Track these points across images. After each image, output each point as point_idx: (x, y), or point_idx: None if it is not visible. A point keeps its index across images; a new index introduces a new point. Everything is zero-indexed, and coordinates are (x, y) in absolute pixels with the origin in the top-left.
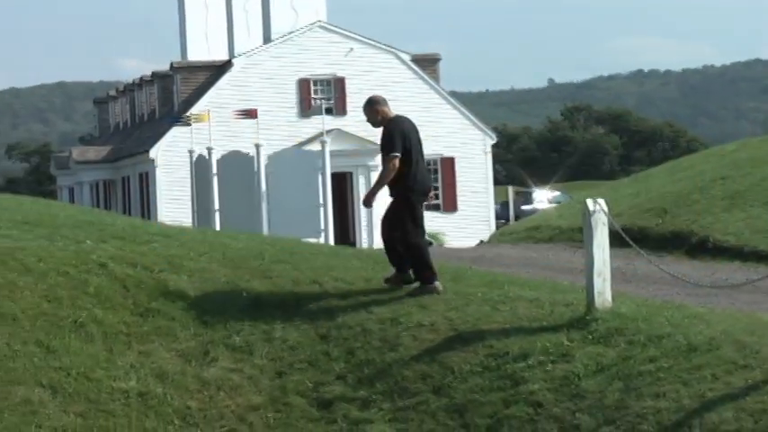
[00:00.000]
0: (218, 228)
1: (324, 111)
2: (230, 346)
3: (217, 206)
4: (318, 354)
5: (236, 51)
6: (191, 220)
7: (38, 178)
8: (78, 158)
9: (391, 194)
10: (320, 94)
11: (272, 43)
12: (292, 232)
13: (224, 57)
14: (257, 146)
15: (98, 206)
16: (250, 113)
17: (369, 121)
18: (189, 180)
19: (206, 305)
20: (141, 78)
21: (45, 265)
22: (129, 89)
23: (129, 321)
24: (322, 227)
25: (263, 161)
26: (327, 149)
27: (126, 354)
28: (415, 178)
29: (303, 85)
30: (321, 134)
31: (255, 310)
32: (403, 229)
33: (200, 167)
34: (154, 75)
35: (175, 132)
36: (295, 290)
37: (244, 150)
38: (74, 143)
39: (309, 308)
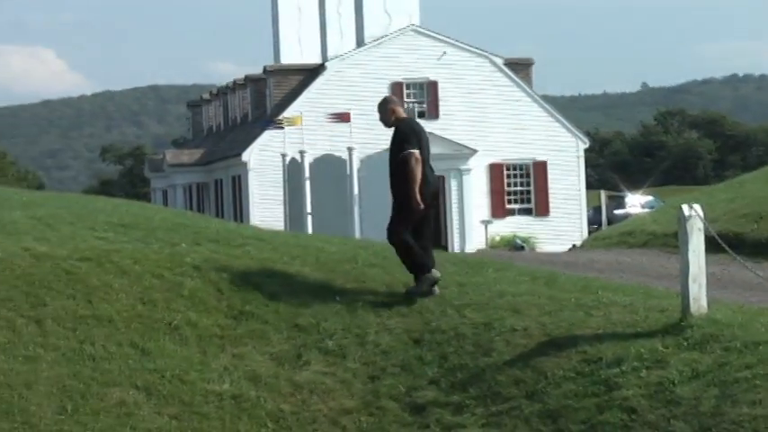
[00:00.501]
0: (310, 231)
1: (416, 114)
2: (323, 349)
3: (309, 209)
4: (411, 358)
5: (329, 55)
6: (283, 224)
7: (131, 180)
8: (172, 161)
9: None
10: (413, 98)
11: (365, 47)
12: (385, 236)
13: (317, 60)
14: (350, 149)
15: (191, 209)
16: (343, 117)
17: (381, 120)
18: (281, 183)
19: (299, 309)
20: (234, 82)
21: (140, 268)
22: (223, 92)
23: (222, 324)
24: None
25: (356, 164)
26: None
27: (220, 357)
28: (424, 178)
29: (395, 88)
30: None
31: (348, 314)
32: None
33: (292, 171)
34: (247, 78)
35: (268, 136)
36: (388, 294)
37: (336, 154)
38: (167, 146)
39: (402, 312)
